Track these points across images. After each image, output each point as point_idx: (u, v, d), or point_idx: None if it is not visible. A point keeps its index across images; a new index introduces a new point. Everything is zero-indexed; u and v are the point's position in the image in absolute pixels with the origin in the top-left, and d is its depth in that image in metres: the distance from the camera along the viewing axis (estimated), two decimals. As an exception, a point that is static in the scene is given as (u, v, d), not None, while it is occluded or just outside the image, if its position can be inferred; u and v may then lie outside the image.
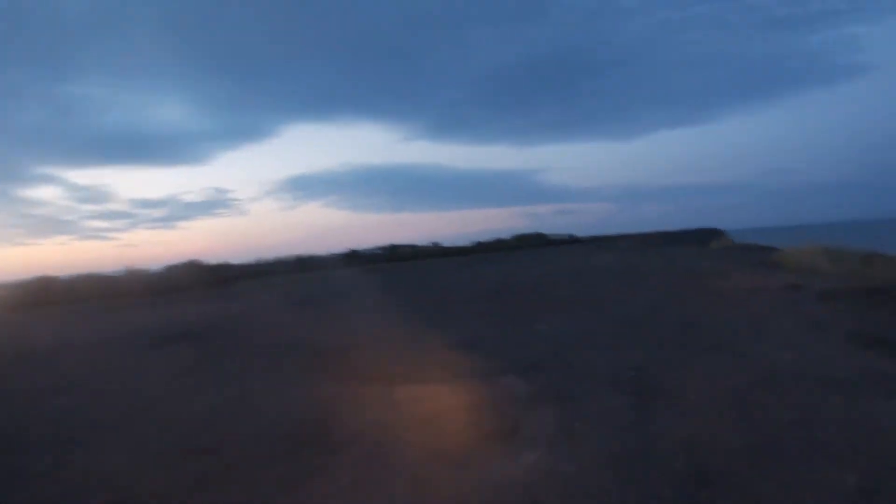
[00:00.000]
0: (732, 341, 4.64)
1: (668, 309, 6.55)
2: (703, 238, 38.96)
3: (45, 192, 69.11)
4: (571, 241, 47.83)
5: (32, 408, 4.26)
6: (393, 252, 33.24)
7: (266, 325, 8.21)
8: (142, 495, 2.52)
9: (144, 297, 16.48)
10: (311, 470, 2.65)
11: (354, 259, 30.89)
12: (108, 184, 75.42)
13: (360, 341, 5.95)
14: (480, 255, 31.00)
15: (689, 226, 61.66)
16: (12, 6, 45.88)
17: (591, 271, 13.13)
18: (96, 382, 5.00)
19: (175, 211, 68.90)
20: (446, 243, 46.35)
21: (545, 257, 22.20)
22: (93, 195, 63.66)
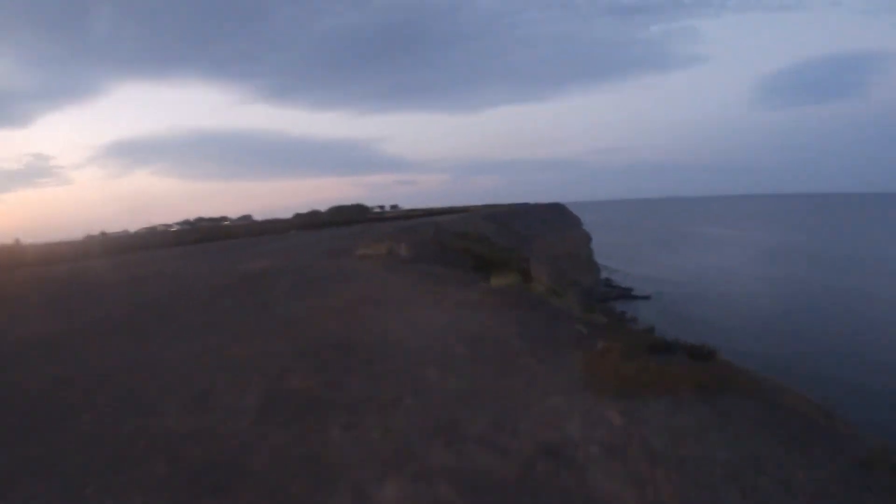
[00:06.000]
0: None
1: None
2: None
3: None
4: (405, 216, 45.28)
5: None
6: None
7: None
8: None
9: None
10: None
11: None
12: None
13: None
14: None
15: (525, 199, 62.54)
16: None
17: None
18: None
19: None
20: (274, 214, 43.29)
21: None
22: None
